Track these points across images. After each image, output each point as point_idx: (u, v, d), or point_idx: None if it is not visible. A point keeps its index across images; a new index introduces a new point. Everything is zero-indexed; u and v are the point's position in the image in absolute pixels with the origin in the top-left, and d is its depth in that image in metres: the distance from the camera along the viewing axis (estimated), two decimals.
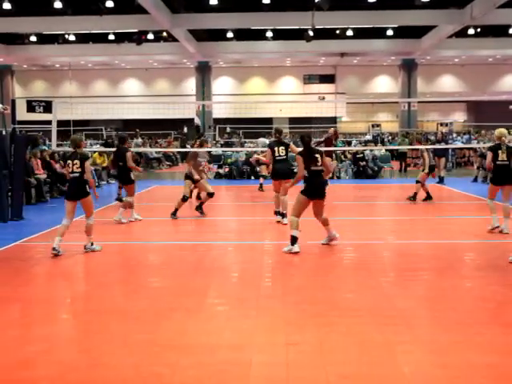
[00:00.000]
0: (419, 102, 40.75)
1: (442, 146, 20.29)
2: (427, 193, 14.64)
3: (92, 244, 9.06)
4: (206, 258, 8.84)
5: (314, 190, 8.89)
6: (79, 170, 8.90)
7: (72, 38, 31.81)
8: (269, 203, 13.85)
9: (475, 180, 19.88)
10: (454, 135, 32.09)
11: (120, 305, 6.47)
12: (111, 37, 31.69)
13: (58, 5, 25.21)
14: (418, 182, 14.77)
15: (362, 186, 19.56)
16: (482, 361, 4.76)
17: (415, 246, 9.58)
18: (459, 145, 26.27)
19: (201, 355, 4.92)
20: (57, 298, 6.87)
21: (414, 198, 14.67)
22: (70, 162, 9.05)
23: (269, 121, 40.65)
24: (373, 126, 45.53)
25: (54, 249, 8.64)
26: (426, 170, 14.69)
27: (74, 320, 6.07)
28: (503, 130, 10.61)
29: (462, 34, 31.16)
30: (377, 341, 5.20)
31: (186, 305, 6.28)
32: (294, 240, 8.80)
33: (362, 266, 8.19)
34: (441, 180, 19.05)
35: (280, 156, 11.25)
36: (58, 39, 33.02)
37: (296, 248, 8.73)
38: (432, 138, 27.58)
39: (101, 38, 33.06)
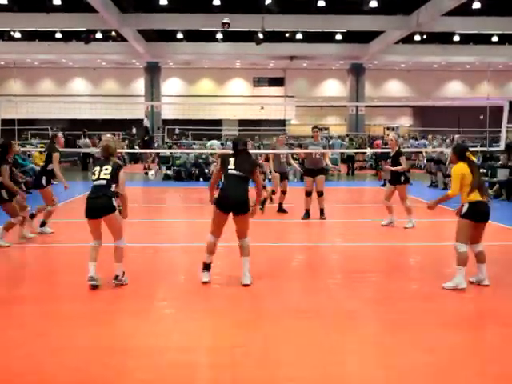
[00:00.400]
0: (367, 106, 41.38)
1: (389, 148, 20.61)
2: None
3: (124, 275, 7.10)
4: (153, 260, 8.78)
5: (228, 201, 7.11)
6: (107, 176, 7.05)
7: (18, 35, 31.12)
8: None
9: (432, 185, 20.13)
10: (401, 139, 32.66)
11: (64, 308, 6.34)
12: (58, 35, 31.11)
13: (3, 1, 24.63)
14: None
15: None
16: (423, 360, 4.87)
17: (362, 249, 9.71)
18: (405, 149, 26.74)
19: (149, 357, 4.88)
20: None
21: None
22: (97, 168, 7.21)
23: (218, 122, 40.63)
24: (321, 129, 45.97)
25: (90, 278, 6.90)
26: None
27: (16, 324, 5.91)
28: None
29: (408, 40, 31.74)
30: (323, 342, 5.26)
31: (133, 307, 6.23)
32: (204, 267, 7.31)
33: (310, 268, 8.27)
34: (385, 183, 19.39)
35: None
36: (3, 36, 32.25)
37: (205, 277, 7.22)
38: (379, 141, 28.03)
39: (48, 36, 32.42)
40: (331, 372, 4.65)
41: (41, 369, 4.69)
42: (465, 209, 6.88)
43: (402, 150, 12.69)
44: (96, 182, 7.03)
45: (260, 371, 4.63)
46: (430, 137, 29.87)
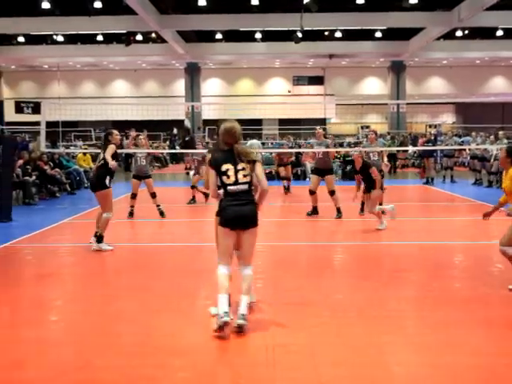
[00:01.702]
0: (408, 103, 40.86)
1: (430, 146, 20.38)
2: None
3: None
4: (196, 259, 8.83)
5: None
6: (247, 179, 5.54)
7: (60, 38, 31.67)
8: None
9: (476, 183, 19.76)
10: (442, 137, 32.22)
11: (111, 306, 6.43)
12: (100, 37, 31.57)
13: (45, 5, 25.08)
14: None
15: (350, 187, 19.54)
16: (470, 361, 4.79)
17: (404, 248, 9.60)
18: (448, 147, 26.36)
19: (193, 356, 4.91)
20: (46, 300, 6.82)
21: None
22: (228, 167, 5.53)
23: (258, 122, 40.65)
24: (362, 127, 45.65)
25: (225, 313, 5.36)
26: None
27: (64, 321, 6.03)
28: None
29: (449, 36, 31.30)
30: (367, 342, 5.21)
31: (177, 306, 6.28)
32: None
33: (353, 266, 8.23)
34: (427, 181, 19.25)
35: None
36: (46, 40, 32.89)
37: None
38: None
39: (89, 39, 32.94)
40: (376, 371, 4.61)
41: (87, 366, 4.76)
42: None
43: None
44: (234, 188, 5.49)
45: (299, 371, 4.62)
46: (473, 134, 29.29)
